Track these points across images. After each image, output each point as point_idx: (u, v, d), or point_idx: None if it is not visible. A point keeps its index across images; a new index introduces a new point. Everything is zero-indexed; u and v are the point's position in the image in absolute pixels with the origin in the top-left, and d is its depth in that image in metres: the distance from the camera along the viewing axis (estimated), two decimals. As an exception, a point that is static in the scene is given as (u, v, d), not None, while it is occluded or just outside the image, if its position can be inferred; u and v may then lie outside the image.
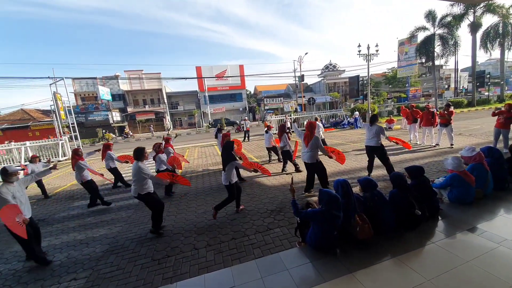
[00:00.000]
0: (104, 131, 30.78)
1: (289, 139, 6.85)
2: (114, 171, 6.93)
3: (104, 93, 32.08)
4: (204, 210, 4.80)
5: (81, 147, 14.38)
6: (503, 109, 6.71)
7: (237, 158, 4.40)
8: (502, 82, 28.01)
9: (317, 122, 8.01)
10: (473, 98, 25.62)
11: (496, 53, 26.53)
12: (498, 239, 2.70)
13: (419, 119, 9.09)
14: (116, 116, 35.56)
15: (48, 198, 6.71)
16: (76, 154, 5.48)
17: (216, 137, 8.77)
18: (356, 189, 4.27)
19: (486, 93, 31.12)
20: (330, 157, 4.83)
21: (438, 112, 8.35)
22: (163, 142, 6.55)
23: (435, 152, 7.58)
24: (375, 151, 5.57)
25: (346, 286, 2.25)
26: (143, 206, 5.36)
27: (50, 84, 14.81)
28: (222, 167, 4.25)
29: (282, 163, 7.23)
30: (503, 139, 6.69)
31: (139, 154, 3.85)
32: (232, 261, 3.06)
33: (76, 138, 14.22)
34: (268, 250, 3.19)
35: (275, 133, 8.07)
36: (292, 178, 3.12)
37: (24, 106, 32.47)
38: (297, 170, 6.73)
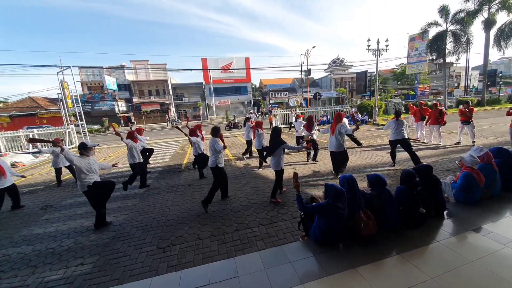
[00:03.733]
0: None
1: (318, 130, 7.18)
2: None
3: (110, 82, 32.25)
4: (208, 201, 4.85)
5: (88, 136, 14.55)
6: None
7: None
8: (514, 82, 27.30)
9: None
10: (483, 98, 25.04)
11: (509, 52, 25.88)
12: (504, 240, 2.68)
13: (427, 117, 8.95)
14: (121, 106, 35.81)
15: (60, 186, 6.72)
16: (132, 137, 5.82)
17: (244, 125, 8.86)
18: (363, 185, 4.25)
19: (495, 92, 30.37)
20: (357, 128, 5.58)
21: (446, 111, 8.29)
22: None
23: (442, 151, 7.48)
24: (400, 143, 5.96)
25: (349, 281, 2.27)
26: (148, 195, 5.45)
27: (57, 73, 14.89)
28: (267, 155, 4.61)
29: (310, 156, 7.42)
30: None
31: (216, 131, 4.55)
32: (236, 252, 3.10)
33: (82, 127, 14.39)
34: (271, 243, 3.22)
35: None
36: (295, 174, 3.07)
37: (31, 94, 32.85)
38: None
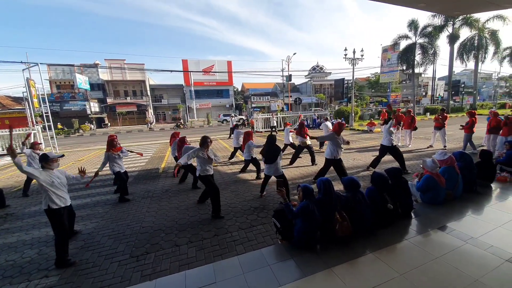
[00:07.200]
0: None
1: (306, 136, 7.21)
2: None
3: (82, 81, 30.24)
4: (187, 206, 4.73)
5: (55, 139, 13.55)
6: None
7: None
8: (474, 92, 29.95)
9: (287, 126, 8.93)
10: (448, 106, 27.17)
11: (471, 64, 28.31)
12: (465, 237, 2.90)
13: (402, 122, 9.54)
14: (94, 106, 33.89)
15: (26, 196, 5.92)
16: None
17: (232, 133, 8.81)
18: (340, 188, 4.38)
19: (459, 101, 33.13)
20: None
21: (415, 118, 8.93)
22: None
23: (412, 155, 7.98)
24: (388, 150, 6.20)
25: (324, 281, 2.32)
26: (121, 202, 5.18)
27: (23, 70, 13.75)
28: (269, 162, 4.59)
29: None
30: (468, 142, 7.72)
31: (203, 141, 4.23)
32: (214, 257, 3.05)
33: (49, 128, 13.36)
34: (251, 247, 3.21)
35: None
36: (278, 182, 3.05)
37: (-8, 92, 30.06)
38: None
